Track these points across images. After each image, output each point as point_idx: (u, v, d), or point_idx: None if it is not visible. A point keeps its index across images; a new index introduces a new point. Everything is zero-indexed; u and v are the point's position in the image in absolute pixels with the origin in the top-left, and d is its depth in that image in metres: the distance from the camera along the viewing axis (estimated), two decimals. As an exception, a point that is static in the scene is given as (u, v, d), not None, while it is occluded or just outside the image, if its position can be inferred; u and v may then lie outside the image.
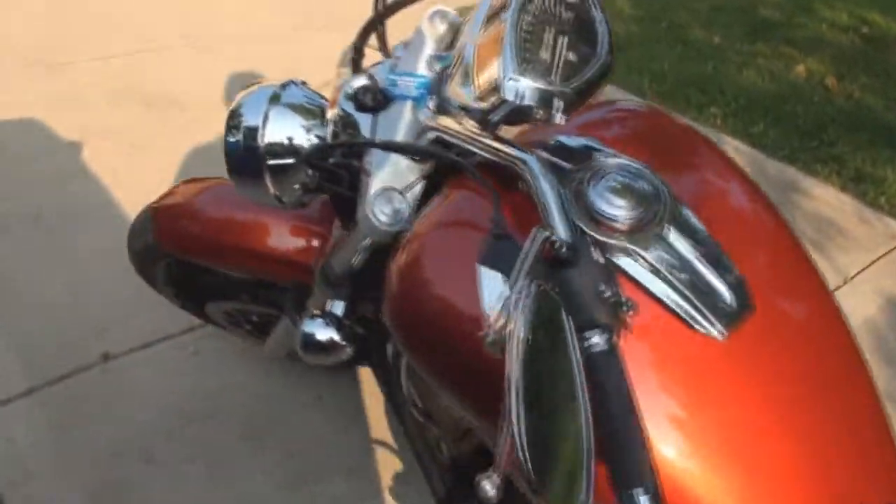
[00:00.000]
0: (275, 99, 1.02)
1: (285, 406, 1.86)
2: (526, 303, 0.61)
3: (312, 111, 1.04)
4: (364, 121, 0.96)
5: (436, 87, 0.93)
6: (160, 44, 3.68)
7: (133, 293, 1.92)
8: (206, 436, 1.76)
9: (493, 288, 0.70)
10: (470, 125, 0.83)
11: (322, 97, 1.09)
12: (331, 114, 0.99)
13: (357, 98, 0.96)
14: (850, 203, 2.90)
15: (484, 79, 0.78)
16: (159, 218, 1.47)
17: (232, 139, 1.02)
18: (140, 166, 2.73)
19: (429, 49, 0.95)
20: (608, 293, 0.64)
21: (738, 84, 3.69)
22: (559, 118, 0.76)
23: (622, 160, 0.80)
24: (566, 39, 0.79)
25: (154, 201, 1.51)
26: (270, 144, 1.00)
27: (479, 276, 0.70)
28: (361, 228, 0.93)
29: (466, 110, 0.83)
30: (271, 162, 1.01)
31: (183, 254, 1.47)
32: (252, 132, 1.01)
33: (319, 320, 1.07)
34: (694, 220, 0.79)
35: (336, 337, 1.07)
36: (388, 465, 1.73)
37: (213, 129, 3.01)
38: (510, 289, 0.61)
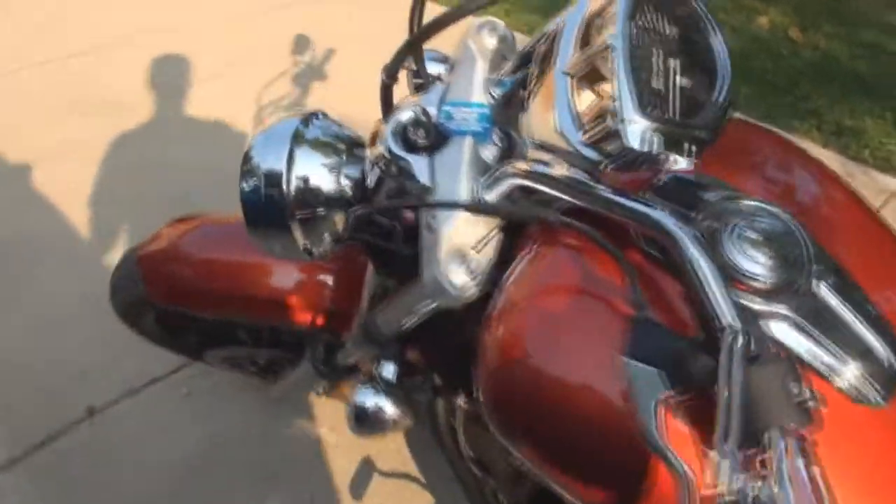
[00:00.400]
0: (299, 137, 0.86)
1: (296, 443, 1.72)
2: (789, 460, 0.47)
3: (339, 148, 0.89)
4: (418, 163, 0.79)
5: (499, 117, 0.78)
6: (106, 44, 3.45)
7: (111, 333, 1.72)
8: (216, 490, 1.61)
9: (648, 388, 0.57)
10: (568, 172, 0.68)
11: (345, 127, 0.94)
12: (373, 153, 0.84)
13: (407, 135, 0.79)
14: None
15: (589, 118, 0.64)
16: (147, 266, 1.31)
17: (249, 186, 0.85)
18: (100, 183, 2.55)
19: (481, 69, 0.80)
20: (798, 392, 0.52)
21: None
22: (689, 163, 0.63)
23: (752, 201, 0.67)
24: (678, 63, 0.65)
25: (139, 247, 1.35)
26: (300, 191, 0.85)
27: (629, 373, 0.57)
28: (427, 292, 0.78)
29: (554, 151, 0.69)
30: (302, 214, 0.85)
31: (176, 305, 1.32)
32: (275, 177, 0.84)
33: (370, 389, 0.94)
34: (837, 267, 0.67)
35: (392, 407, 0.93)
36: (417, 498, 1.61)
37: (170, 134, 2.84)
38: (728, 437, 0.47)
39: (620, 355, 0.59)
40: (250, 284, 1.23)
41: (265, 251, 0.92)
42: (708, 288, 0.56)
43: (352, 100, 3.19)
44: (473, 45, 0.81)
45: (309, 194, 0.85)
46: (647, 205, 0.62)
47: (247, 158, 0.87)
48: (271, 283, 1.22)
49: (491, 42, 0.82)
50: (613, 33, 0.62)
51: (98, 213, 2.40)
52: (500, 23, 0.84)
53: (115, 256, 2.17)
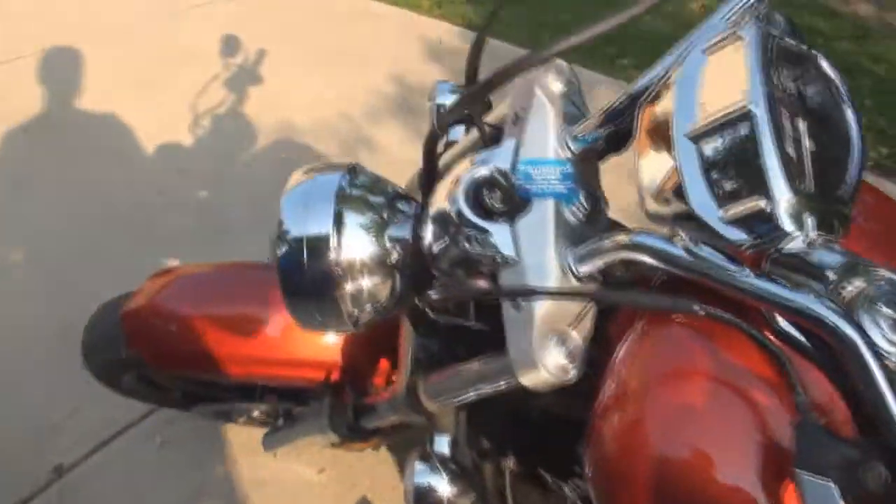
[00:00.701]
0: (344, 196, 0.76)
1: (286, 487, 1.61)
2: None
3: (383, 205, 0.80)
4: (498, 231, 0.68)
5: (580, 175, 0.71)
6: (24, 55, 3.21)
7: (71, 379, 1.60)
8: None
9: (822, 501, 0.51)
10: (695, 248, 0.60)
11: (383, 180, 0.84)
12: (435, 216, 0.72)
13: (481, 200, 0.69)
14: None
15: (727, 195, 0.57)
16: (131, 326, 1.19)
17: (287, 253, 0.75)
18: (30, 210, 2.36)
19: (554, 121, 0.73)
20: None
21: (640, 30, 3.59)
22: (824, 243, 0.57)
23: (880, 270, 0.62)
24: (806, 125, 0.59)
25: (120, 303, 1.22)
26: (351, 257, 0.75)
27: (800, 483, 0.51)
28: (514, 373, 0.68)
29: (674, 224, 0.62)
30: (351, 283, 0.76)
31: (167, 367, 1.20)
32: (320, 244, 0.74)
33: (426, 467, 0.86)
34: None
35: (448, 486, 0.86)
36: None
37: (101, 149, 2.66)
38: None
39: (787, 462, 0.53)
40: (248, 342, 1.13)
41: (303, 323, 0.83)
42: (882, 391, 0.51)
43: (292, 105, 3.07)
44: (541, 93, 0.74)
45: (360, 261, 0.76)
46: (799, 293, 0.56)
47: (282, 222, 0.77)
48: (272, 341, 1.12)
49: (558, 87, 0.75)
50: (752, 98, 0.55)
51: (32, 242, 2.23)
52: (565, 64, 0.77)
53: (62, 290, 2.02)
